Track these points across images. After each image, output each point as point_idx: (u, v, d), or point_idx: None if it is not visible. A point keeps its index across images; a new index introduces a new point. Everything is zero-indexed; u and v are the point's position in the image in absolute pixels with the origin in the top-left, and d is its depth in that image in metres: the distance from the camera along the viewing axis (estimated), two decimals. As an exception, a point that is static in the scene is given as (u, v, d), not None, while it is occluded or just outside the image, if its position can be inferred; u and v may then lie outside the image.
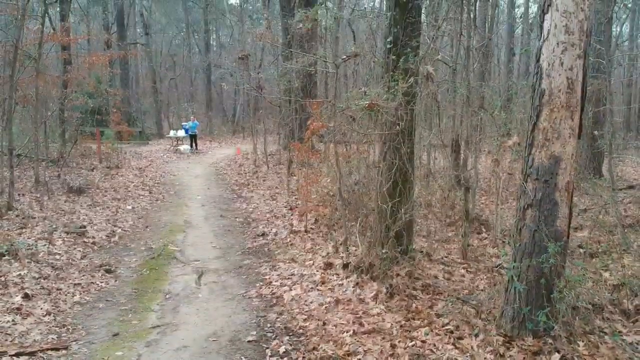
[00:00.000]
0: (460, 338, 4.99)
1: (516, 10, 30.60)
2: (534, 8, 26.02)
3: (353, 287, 6.29)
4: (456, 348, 4.79)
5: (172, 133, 26.35)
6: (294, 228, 9.76)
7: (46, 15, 15.25)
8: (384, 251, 6.44)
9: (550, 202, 4.58)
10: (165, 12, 45.54)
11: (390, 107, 5.86)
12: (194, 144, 24.95)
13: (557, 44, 4.44)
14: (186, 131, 26.02)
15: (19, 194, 11.73)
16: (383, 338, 5.01)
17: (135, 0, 36.58)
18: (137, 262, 8.11)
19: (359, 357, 4.68)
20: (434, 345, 4.82)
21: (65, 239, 8.62)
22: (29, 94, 15.30)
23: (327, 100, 8.47)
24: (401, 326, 5.29)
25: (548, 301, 4.60)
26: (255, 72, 19.34)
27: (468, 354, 4.66)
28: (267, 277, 7.27)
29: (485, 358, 4.60)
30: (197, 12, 46.05)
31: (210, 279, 7.37)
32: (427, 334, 5.03)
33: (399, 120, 6.03)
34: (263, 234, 9.66)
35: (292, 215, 11.02)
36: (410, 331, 5.15)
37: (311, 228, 9.56)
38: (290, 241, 9.00)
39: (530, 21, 25.66)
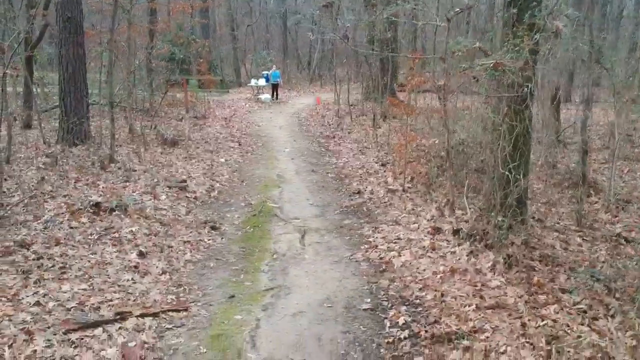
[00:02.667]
0: (594, 319, 4.67)
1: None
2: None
3: (467, 255, 6.03)
4: (592, 330, 4.48)
5: (252, 82, 26.34)
6: (390, 187, 9.52)
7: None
8: (500, 218, 6.10)
9: None
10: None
11: (517, 67, 5.38)
12: (275, 93, 24.87)
13: None
14: (267, 80, 25.93)
15: (116, 145, 12.08)
16: (509, 315, 4.76)
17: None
18: (239, 218, 8.18)
19: (486, 334, 4.47)
20: (567, 325, 4.52)
21: (168, 193, 8.80)
22: (121, 45, 15.62)
23: (435, 56, 8.00)
24: (526, 302, 5.01)
25: None
26: (341, 20, 18.70)
27: (606, 338, 4.34)
28: (371, 239, 7.13)
29: (626, 343, 4.28)
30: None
31: (313, 239, 7.31)
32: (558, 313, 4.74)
33: (526, 82, 5.55)
34: (358, 192, 9.49)
35: (385, 172, 10.77)
36: (537, 308, 4.87)
37: (408, 187, 9.29)
38: (388, 201, 8.79)
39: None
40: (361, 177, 10.61)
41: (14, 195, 7.98)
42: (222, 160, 11.99)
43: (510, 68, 5.26)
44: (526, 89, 5.53)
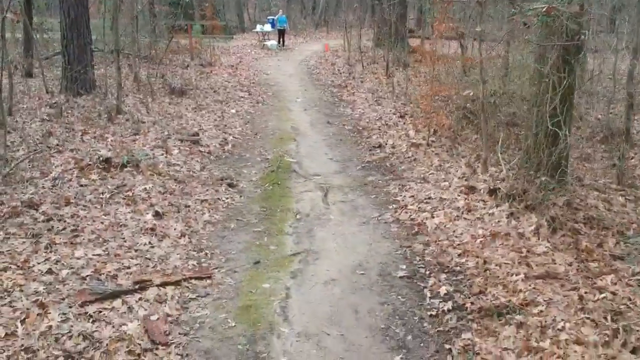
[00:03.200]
0: (657, 291, 4.29)
1: None
2: None
3: (507, 217, 5.62)
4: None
5: (258, 28, 25.43)
6: (412, 140, 9.05)
7: None
8: (542, 178, 5.67)
9: None
10: None
11: (572, 12, 4.82)
12: (281, 40, 23.99)
13: None
14: (272, 25, 25.02)
15: (123, 95, 11.54)
16: (562, 286, 4.38)
17: None
18: (256, 174, 7.75)
19: (539, 308, 4.09)
20: (629, 299, 4.15)
21: (181, 147, 8.34)
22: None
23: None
24: (577, 270, 4.63)
25: None
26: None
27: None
28: (399, 198, 6.72)
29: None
30: None
31: (337, 197, 6.90)
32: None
33: (581, 28, 4.99)
34: (379, 146, 9.03)
35: (405, 124, 10.27)
36: (591, 278, 4.49)
37: (432, 141, 8.81)
38: (412, 156, 8.34)
39: None
40: (380, 129, 10.11)
41: (18, 150, 7.54)
42: (233, 111, 11.46)
43: (564, 13, 4.69)
44: (582, 36, 4.98)
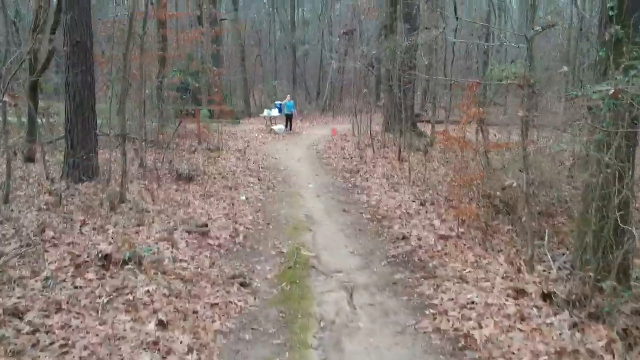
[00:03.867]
0: None
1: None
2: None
3: (570, 330, 4.81)
4: None
5: (266, 112, 25.45)
6: (438, 231, 8.34)
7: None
8: (608, 282, 4.91)
9: None
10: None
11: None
12: (289, 124, 23.87)
13: None
14: (280, 110, 25.05)
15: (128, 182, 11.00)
16: None
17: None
18: (271, 271, 6.98)
19: None
20: None
21: (188, 240, 7.64)
22: (133, 73, 14.67)
23: (513, 81, 6.91)
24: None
25: None
26: (364, 48, 17.86)
27: None
28: (436, 302, 5.92)
29: None
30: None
31: (364, 299, 6.11)
32: None
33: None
34: (404, 238, 8.30)
35: (427, 212, 9.61)
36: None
37: (461, 232, 8.11)
38: (442, 249, 7.60)
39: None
40: (401, 218, 9.42)
41: (10, 243, 6.85)
42: (243, 198, 10.84)
43: (635, 97, 4.15)
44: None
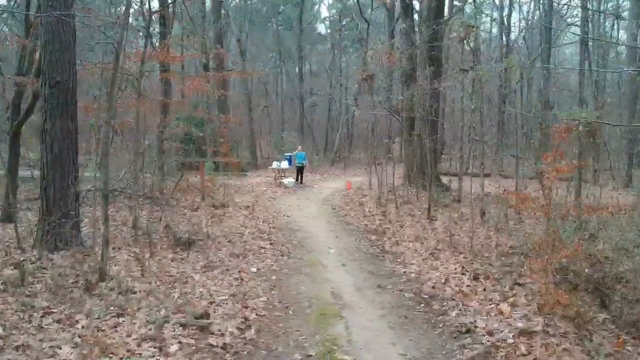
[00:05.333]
0: None
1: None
2: None
3: None
4: None
5: (275, 164, 23.80)
6: (514, 322, 6.36)
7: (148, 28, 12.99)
8: None
9: None
10: (256, 40, 43.95)
11: None
12: (299, 177, 22.13)
13: None
14: (289, 162, 23.41)
15: (113, 248, 9.11)
16: None
17: (231, 26, 35.11)
18: (299, 392, 4.99)
19: None
20: None
21: (182, 338, 5.65)
22: (127, 121, 13.04)
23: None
24: None
25: None
26: (383, 93, 16.32)
27: None
28: None
29: None
30: (288, 40, 44.40)
31: None
32: None
33: None
34: (467, 331, 6.31)
35: (484, 290, 7.66)
36: None
37: (547, 324, 6.12)
38: (528, 350, 5.60)
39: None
40: (454, 299, 7.45)
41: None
42: (254, 269, 8.90)
43: None
44: None
